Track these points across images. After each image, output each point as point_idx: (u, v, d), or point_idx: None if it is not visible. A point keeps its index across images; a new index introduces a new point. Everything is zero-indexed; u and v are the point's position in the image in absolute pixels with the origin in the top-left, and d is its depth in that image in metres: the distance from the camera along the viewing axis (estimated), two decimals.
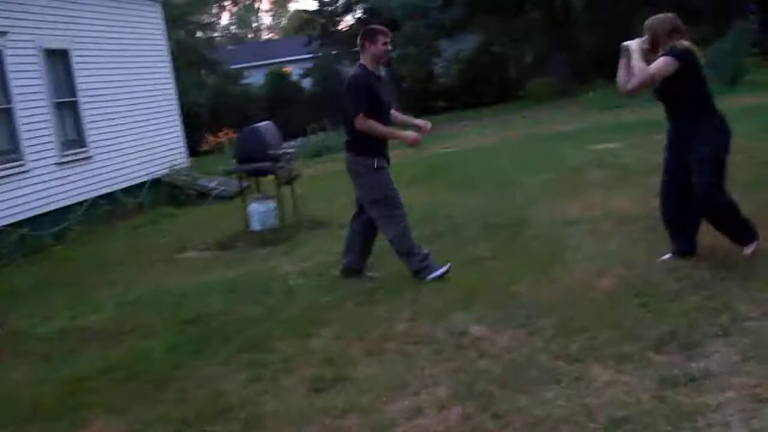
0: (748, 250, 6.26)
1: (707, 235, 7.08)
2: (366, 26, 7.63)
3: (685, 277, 6.04)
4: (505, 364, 4.89)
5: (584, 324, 5.34)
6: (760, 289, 5.57)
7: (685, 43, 6.23)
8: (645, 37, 6.35)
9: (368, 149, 7.13)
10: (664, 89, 6.32)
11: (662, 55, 6.20)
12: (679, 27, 6.32)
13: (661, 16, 6.41)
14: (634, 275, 6.32)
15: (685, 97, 6.30)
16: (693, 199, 6.21)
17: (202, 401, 5.07)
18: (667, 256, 6.55)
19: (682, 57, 6.14)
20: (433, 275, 7.02)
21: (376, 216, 7.23)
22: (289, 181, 11.04)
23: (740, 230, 6.32)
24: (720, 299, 5.46)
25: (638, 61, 6.24)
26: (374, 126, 7.05)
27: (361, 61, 7.29)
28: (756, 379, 4.22)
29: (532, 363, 4.83)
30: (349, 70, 7.39)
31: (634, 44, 6.35)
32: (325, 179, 15.55)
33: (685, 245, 6.49)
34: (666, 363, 4.57)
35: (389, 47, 7.33)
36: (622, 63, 6.44)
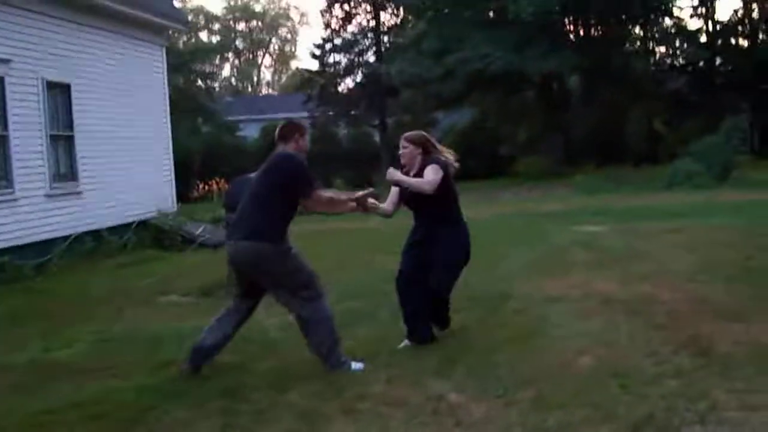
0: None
1: (689, 321, 7.12)
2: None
3: (665, 362, 6.05)
4: None
5: (562, 400, 5.32)
6: (738, 379, 5.58)
7: None
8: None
9: None
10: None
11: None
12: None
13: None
14: (615, 356, 6.30)
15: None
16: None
17: None
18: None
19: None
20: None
21: None
22: None
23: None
24: (698, 386, 5.46)
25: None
26: None
27: None
28: None
29: None
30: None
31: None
32: (310, 237, 15.48)
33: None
34: None
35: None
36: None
